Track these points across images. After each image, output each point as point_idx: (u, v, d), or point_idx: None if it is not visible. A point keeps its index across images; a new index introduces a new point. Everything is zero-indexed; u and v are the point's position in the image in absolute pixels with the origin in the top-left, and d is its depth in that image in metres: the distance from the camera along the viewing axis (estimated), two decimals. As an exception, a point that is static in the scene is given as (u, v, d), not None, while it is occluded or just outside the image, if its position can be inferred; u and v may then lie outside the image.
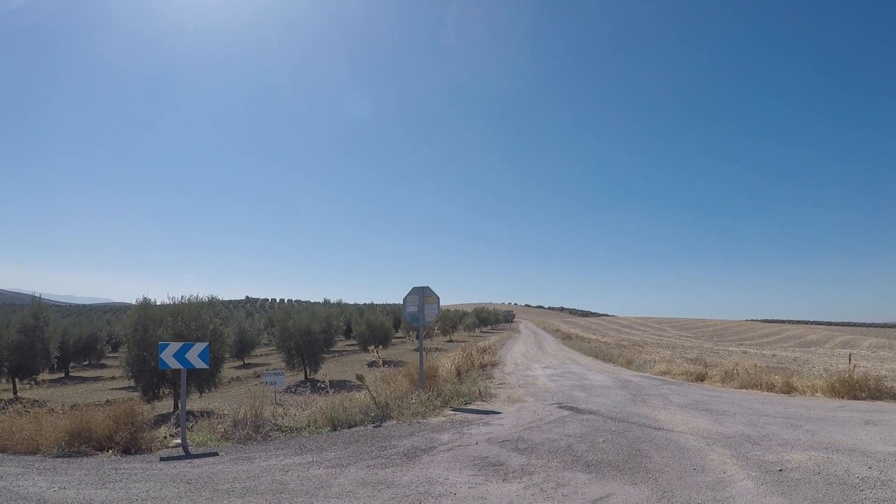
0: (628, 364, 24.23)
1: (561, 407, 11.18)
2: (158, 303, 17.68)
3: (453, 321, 62.60)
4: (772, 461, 6.54)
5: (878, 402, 11.47)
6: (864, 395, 12.03)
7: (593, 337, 57.83)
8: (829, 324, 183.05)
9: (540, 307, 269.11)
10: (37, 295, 25.85)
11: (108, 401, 14.94)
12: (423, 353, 12.84)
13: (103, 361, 41.33)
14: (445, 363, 17.27)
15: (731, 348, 46.15)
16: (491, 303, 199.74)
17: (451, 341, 47.96)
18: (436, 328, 50.39)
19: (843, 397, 12.14)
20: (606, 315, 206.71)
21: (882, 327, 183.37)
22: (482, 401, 12.26)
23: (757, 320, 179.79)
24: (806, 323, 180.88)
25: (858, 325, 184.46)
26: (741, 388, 14.59)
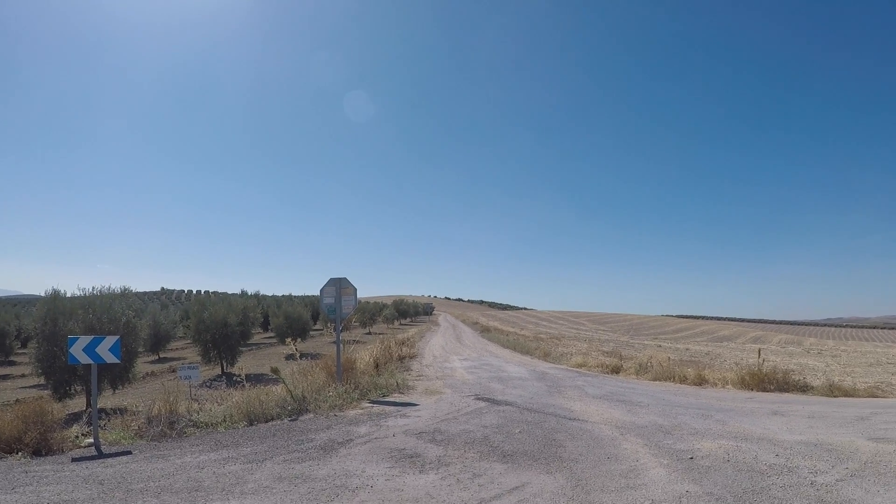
0: (545, 356, 24.91)
1: (478, 398, 11.42)
2: (69, 295, 16.93)
3: (372, 313, 62.49)
4: (683, 450, 6.93)
5: (786, 394, 12.34)
6: (772, 388, 12.88)
7: (512, 330, 58.82)
8: (742, 320, 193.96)
9: (460, 300, 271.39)
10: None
11: (17, 400, 14.20)
12: (341, 345, 12.87)
13: (12, 358, 39.27)
14: (364, 355, 17.38)
15: (646, 342, 48.02)
16: (411, 295, 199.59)
17: (369, 333, 47.81)
18: (354, 320, 50.25)
19: (752, 389, 12.97)
20: (525, 308, 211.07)
21: (791, 324, 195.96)
22: (400, 393, 12.42)
23: (672, 315, 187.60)
24: (719, 319, 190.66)
25: (770, 322, 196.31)
26: (655, 380, 15.33)
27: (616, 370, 17.75)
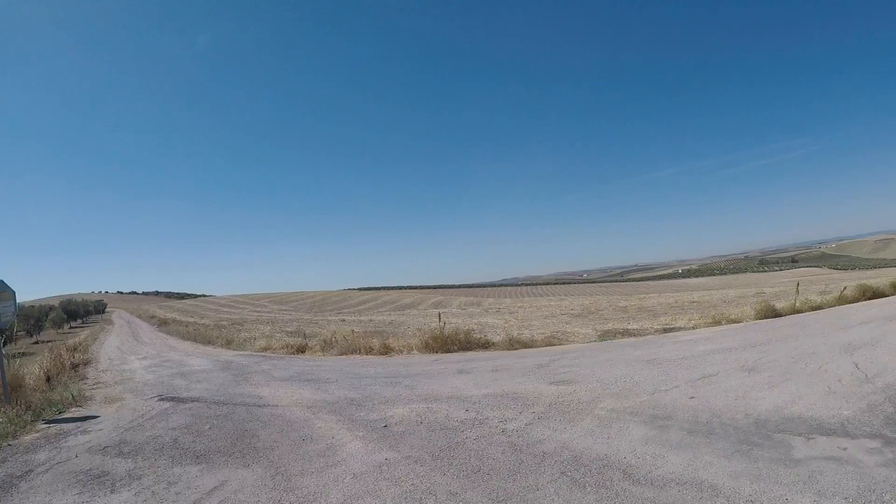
0: (228, 344, 24.30)
1: (162, 399, 10.71)
2: None
3: (37, 319, 55.20)
4: (376, 419, 7.32)
5: (469, 353, 13.70)
6: (456, 348, 14.18)
7: (191, 320, 56.34)
8: (423, 287, 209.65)
9: (133, 293, 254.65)
10: None
11: None
12: (4, 361, 10.90)
13: None
14: (33, 369, 15.09)
15: (329, 317, 49.37)
16: (80, 293, 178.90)
17: (37, 343, 42.04)
18: (18, 329, 43.47)
19: (437, 352, 14.14)
20: (204, 296, 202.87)
21: (471, 287, 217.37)
22: (78, 406, 11.02)
23: (354, 289, 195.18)
24: (401, 288, 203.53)
25: (449, 287, 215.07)
26: (341, 354, 15.88)
27: (302, 350, 17.95)
